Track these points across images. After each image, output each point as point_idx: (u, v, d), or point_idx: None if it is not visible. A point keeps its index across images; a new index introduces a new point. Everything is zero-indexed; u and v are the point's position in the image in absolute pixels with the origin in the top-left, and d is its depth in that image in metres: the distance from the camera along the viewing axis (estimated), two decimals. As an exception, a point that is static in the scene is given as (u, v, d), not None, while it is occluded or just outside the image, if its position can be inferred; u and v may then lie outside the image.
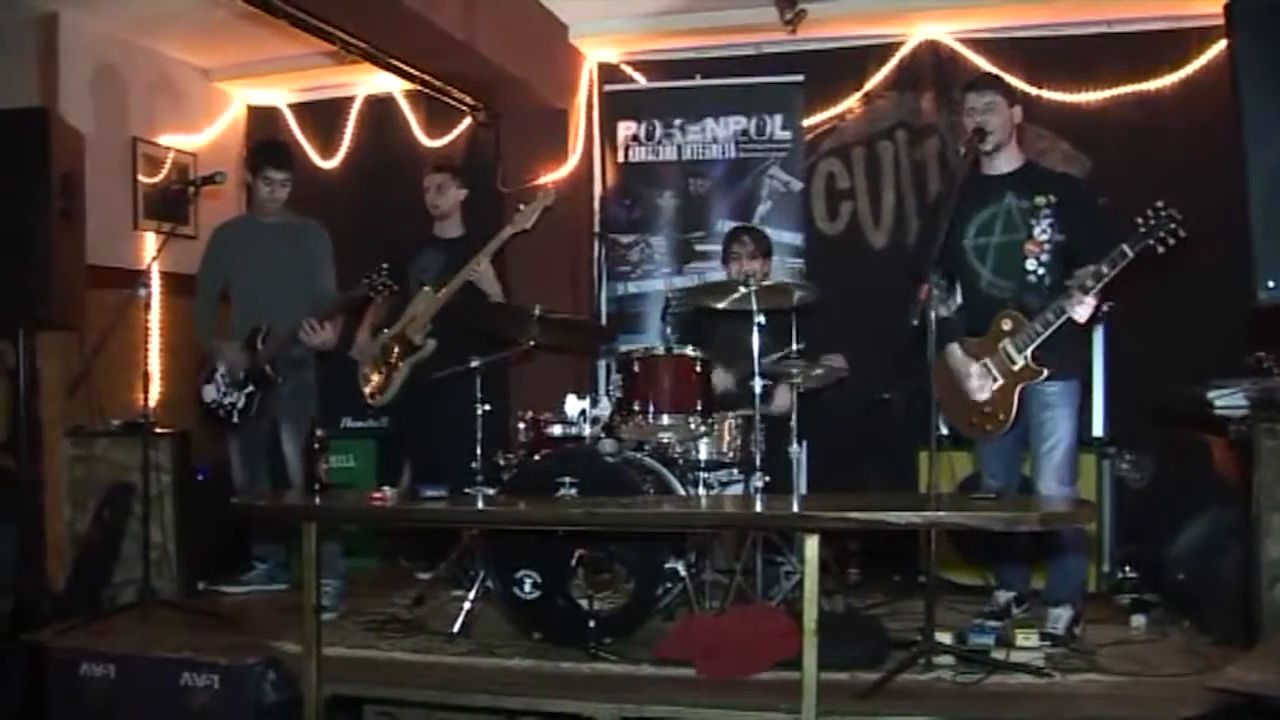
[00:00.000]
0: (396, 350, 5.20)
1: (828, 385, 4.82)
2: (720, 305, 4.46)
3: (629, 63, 6.51)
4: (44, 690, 4.22)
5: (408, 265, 5.26)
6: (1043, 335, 3.97)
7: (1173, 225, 3.71)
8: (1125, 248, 3.75)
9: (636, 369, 4.39)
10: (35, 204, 4.51)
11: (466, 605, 4.31)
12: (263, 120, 7.06)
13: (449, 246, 5.32)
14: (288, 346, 4.88)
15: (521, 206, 5.24)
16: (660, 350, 4.49)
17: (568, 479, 4.09)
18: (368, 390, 5.29)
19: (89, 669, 4.13)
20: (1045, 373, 4.02)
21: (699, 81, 6.24)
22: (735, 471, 4.68)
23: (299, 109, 7.06)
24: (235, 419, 4.97)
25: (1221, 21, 3.82)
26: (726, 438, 4.57)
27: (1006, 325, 4.06)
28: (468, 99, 6.27)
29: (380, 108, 6.88)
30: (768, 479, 4.30)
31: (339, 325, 4.97)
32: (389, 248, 5.36)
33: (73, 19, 5.72)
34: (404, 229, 5.62)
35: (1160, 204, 3.74)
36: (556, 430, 4.51)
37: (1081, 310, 3.91)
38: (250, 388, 4.94)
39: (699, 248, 6.12)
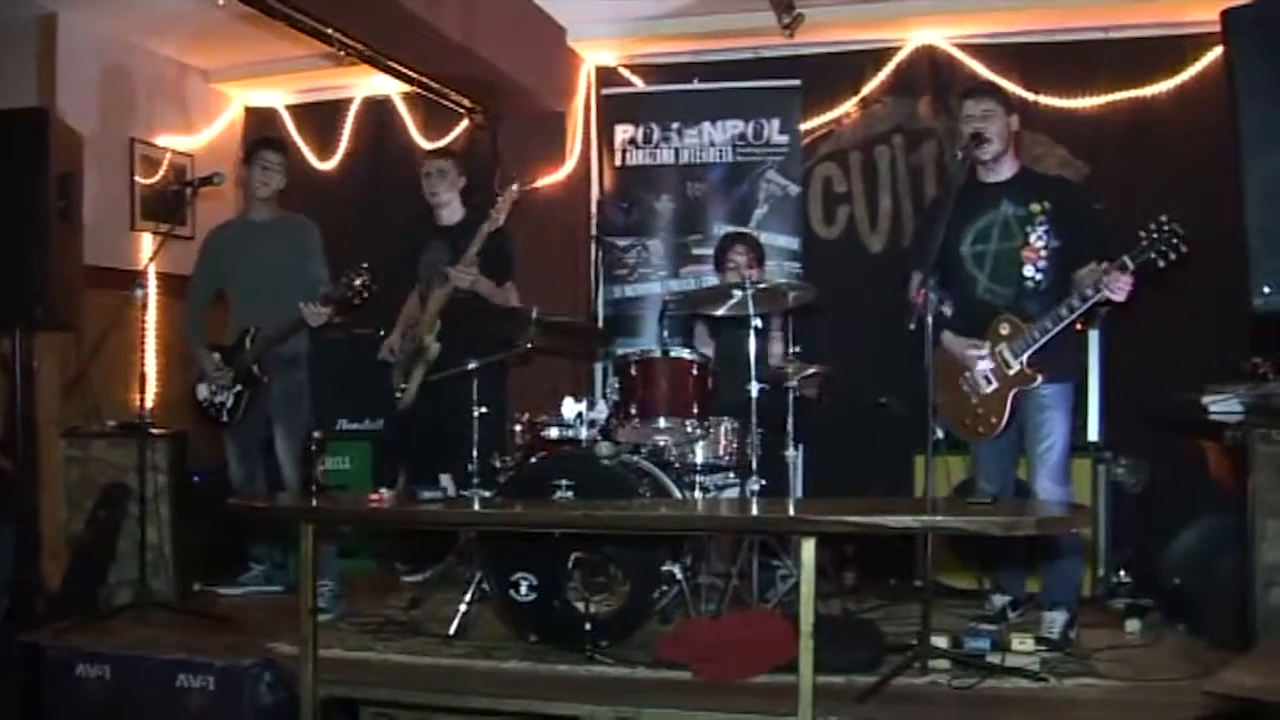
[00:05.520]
0: (413, 351, 5.14)
1: (821, 390, 4.85)
2: (719, 312, 4.47)
3: (627, 66, 6.52)
4: (40, 690, 4.21)
5: (417, 260, 5.24)
6: (1040, 341, 3.97)
7: (1175, 240, 3.67)
8: (1126, 259, 3.72)
9: (633, 372, 4.42)
10: (33, 204, 4.51)
11: (463, 607, 4.32)
12: (260, 121, 7.05)
13: (449, 235, 5.20)
14: (276, 345, 4.88)
15: (497, 199, 4.99)
16: (657, 353, 4.49)
17: (564, 481, 4.09)
18: (398, 394, 5.17)
19: (85, 670, 4.11)
20: (1039, 379, 4.02)
21: (697, 85, 6.25)
22: (732, 475, 4.69)
23: (297, 110, 7.06)
24: (224, 418, 4.99)
25: (1217, 28, 3.84)
26: (723, 441, 4.57)
27: (1004, 330, 4.06)
28: (465, 101, 6.29)
29: (378, 109, 6.89)
30: (764, 483, 4.32)
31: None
32: (396, 244, 5.36)
33: (72, 19, 5.72)
34: (401, 230, 5.58)
35: (1165, 218, 3.70)
36: (553, 433, 4.51)
37: (1120, 289, 3.78)
38: (239, 388, 4.94)
39: (696, 251, 6.12)
